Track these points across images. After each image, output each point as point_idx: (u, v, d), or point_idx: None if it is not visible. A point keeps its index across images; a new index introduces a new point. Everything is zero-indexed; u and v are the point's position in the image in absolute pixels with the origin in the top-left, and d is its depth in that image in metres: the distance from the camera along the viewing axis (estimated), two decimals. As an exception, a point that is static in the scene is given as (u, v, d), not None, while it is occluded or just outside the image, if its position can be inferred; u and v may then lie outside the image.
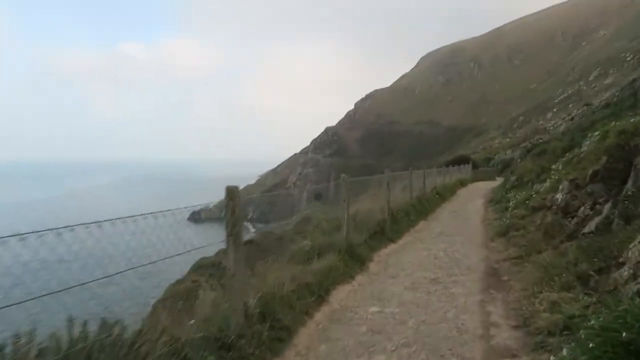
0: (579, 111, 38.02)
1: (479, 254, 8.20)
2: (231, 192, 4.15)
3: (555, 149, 13.88)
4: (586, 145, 9.66)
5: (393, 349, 4.14)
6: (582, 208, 7.15)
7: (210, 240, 5.14)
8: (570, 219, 7.44)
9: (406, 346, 4.18)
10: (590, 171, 7.57)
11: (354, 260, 7.02)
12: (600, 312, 3.23)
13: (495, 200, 16.36)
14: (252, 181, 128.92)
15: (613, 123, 10.06)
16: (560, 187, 8.48)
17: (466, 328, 4.55)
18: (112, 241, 3.80)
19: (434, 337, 4.34)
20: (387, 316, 5.02)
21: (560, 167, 11.27)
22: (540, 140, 21.76)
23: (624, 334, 2.49)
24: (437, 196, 17.21)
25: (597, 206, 6.77)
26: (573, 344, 3.05)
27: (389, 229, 9.73)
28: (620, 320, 2.63)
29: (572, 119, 37.59)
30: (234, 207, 4.08)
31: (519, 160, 20.93)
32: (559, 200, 8.20)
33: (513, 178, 15.64)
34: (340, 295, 5.82)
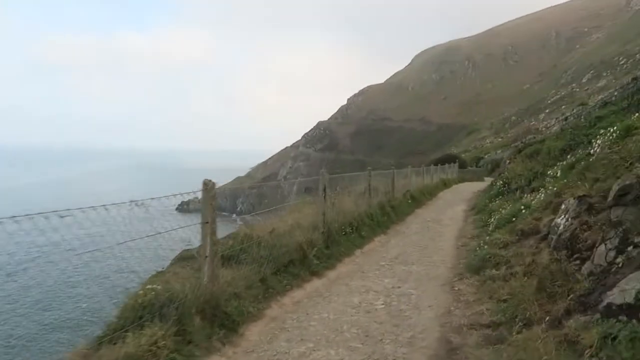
0: (574, 111, 35.11)
1: (437, 306, 5.23)
2: (206, 184, 4.35)
3: (551, 150, 10.94)
4: (598, 146, 6.78)
5: None
6: (601, 247, 4.20)
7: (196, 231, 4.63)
8: (578, 262, 4.50)
9: None
10: (614, 186, 4.62)
11: (213, 325, 4.04)
12: None
13: (478, 209, 13.42)
14: (243, 173, 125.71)
15: (637, 115, 7.15)
16: (563, 207, 5.52)
17: None
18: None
19: None
20: None
21: (558, 174, 8.32)
22: (533, 139, 18.88)
23: None
24: (409, 201, 14.24)
25: (631, 249, 3.83)
26: None
27: (318, 253, 6.73)
28: None
29: (566, 119, 34.65)
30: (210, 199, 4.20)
31: (507, 161, 17.96)
32: (561, 227, 5.24)
33: (499, 183, 12.69)
34: None
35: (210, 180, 4.29)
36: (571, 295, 3.90)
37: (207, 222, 4.25)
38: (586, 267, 4.26)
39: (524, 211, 7.50)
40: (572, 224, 5.07)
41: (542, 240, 5.68)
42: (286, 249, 6.07)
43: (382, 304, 5.31)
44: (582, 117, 26.86)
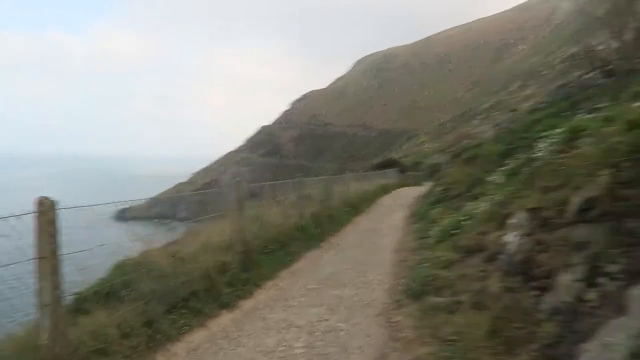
0: (505, 117, 36.12)
1: (369, 346, 4.22)
2: (41, 204, 3.11)
3: (489, 154, 10.41)
4: (544, 149, 6.15)
5: None
6: (564, 276, 3.36)
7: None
8: (537, 292, 3.64)
9: None
10: (574, 198, 3.81)
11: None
12: None
13: (418, 216, 12.73)
14: (184, 179, 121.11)
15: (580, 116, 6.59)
16: (513, 221, 4.70)
17: None
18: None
19: None
20: None
21: (501, 180, 7.64)
22: (469, 144, 18.79)
23: None
24: (348, 209, 13.34)
25: (606, 281, 2.98)
26: None
27: (233, 279, 5.55)
28: None
29: (498, 125, 35.60)
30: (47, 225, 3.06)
31: (445, 166, 17.58)
32: (512, 246, 4.40)
33: (438, 189, 12.08)
34: None
35: (46, 199, 3.01)
36: (534, 345, 3.00)
37: (44, 258, 2.97)
38: (548, 301, 3.40)
39: (466, 222, 6.70)
40: (524, 242, 4.24)
41: (489, 261, 4.83)
42: (187, 277, 4.84)
43: (303, 347, 4.22)
44: (514, 122, 27.45)
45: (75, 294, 4.26)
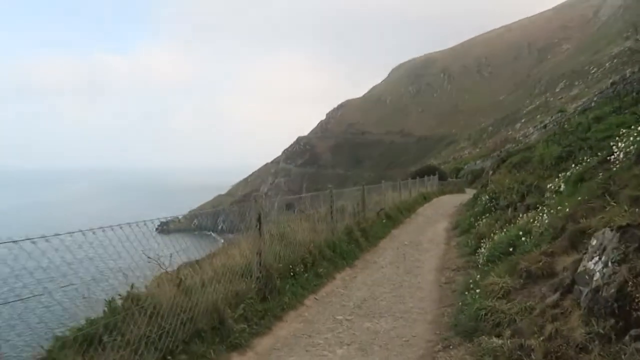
0: (553, 118, 33.96)
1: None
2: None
3: (544, 158, 9.18)
4: (623, 150, 4.97)
5: None
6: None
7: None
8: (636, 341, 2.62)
9: None
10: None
11: None
12: None
13: (462, 228, 11.57)
14: (224, 191, 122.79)
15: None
16: (594, 242, 3.65)
17: None
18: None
19: None
20: None
21: (562, 187, 6.50)
22: (516, 148, 17.25)
23: None
24: (384, 221, 12.33)
25: None
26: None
27: (248, 311, 4.72)
28: None
29: (545, 126, 33.48)
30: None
31: (490, 172, 16.26)
32: (597, 276, 3.35)
33: (484, 197, 10.87)
34: None
35: None
36: None
37: None
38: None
39: (524, 239, 5.62)
40: (616, 272, 3.19)
41: (563, 292, 3.78)
42: (190, 314, 4.04)
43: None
44: (565, 123, 25.57)
45: (56, 338, 3.53)
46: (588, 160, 6.47)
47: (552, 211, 5.77)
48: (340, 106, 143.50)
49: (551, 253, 4.52)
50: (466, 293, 5.19)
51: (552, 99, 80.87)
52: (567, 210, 5.15)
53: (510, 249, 5.73)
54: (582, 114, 26.10)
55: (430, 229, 13.08)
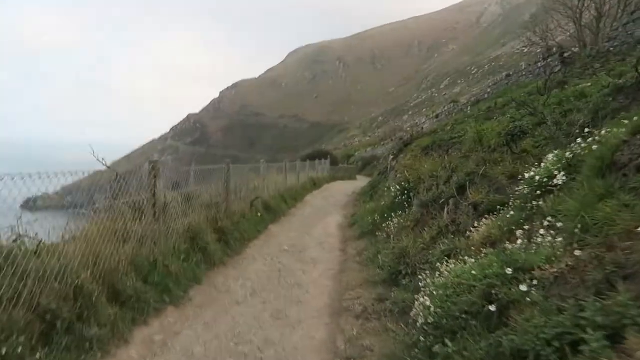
0: (445, 108, 33.35)
1: None
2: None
3: (481, 136, 6.30)
4: None
5: None
6: None
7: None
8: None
9: None
10: None
11: None
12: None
13: (362, 228, 8.51)
14: (103, 168, 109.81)
15: None
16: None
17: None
18: None
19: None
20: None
21: (567, 180, 3.49)
22: (421, 131, 14.89)
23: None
24: (259, 214, 8.82)
25: None
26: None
27: None
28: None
29: (437, 116, 32.73)
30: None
31: (391, 157, 13.58)
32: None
33: (394, 189, 7.76)
34: None
35: None
36: None
37: None
38: None
39: (509, 273, 2.53)
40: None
41: None
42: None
43: None
44: (463, 110, 24.33)
45: None
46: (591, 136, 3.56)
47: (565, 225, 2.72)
48: (235, 85, 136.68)
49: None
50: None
51: (437, 94, 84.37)
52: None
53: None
54: (475, 105, 25.27)
55: (320, 225, 9.90)
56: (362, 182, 23.67)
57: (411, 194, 7.16)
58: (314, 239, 8.25)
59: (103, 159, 5.04)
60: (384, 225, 6.89)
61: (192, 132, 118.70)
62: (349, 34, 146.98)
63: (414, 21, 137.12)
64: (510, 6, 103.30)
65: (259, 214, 8.84)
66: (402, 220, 6.41)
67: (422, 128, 32.26)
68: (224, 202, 7.32)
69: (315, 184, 19.61)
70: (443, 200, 5.65)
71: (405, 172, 7.81)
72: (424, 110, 72.04)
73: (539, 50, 21.71)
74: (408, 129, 50.68)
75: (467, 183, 5.18)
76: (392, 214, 7.05)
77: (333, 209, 12.90)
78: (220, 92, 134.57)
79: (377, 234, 6.90)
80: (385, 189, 9.94)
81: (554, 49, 21.13)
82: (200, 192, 6.75)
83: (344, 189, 19.44)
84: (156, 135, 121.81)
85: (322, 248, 7.48)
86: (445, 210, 4.90)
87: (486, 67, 78.27)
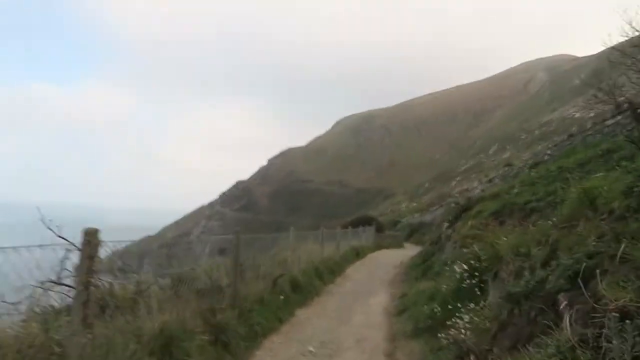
0: (500, 172, 30.90)
1: None
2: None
3: (594, 196, 4.33)
4: None
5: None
6: None
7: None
8: None
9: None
10: None
11: None
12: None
13: (416, 320, 6.39)
14: (154, 232, 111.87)
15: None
16: None
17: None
18: None
19: None
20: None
21: None
22: (482, 194, 12.71)
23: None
24: (282, 297, 6.92)
25: None
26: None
27: None
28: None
29: (491, 180, 30.24)
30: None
31: (446, 224, 11.42)
32: None
33: (459, 269, 5.61)
34: None
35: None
36: None
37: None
38: None
39: None
40: None
41: None
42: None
43: None
44: (518, 174, 21.90)
45: None
46: None
47: None
48: (282, 154, 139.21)
49: None
50: None
51: (485, 160, 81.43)
52: None
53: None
54: (534, 167, 22.82)
55: (361, 310, 7.81)
56: (410, 250, 21.28)
57: (484, 278, 5.07)
58: (352, 333, 6.18)
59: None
60: (447, 321, 4.80)
61: (239, 198, 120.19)
62: (393, 103, 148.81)
63: (457, 90, 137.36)
64: (557, 72, 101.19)
65: (282, 296, 6.93)
66: (476, 319, 4.32)
67: (475, 192, 29.79)
68: (231, 284, 5.50)
69: (358, 254, 17.50)
70: (543, 293, 3.59)
71: (473, 245, 5.77)
72: (473, 175, 69.11)
73: (606, 108, 19.57)
74: (457, 194, 48.00)
75: (586, 268, 3.14)
76: (459, 304, 4.97)
77: (378, 286, 10.75)
78: (268, 160, 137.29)
79: (438, 334, 4.79)
80: (444, 265, 7.82)
81: (625, 105, 18.89)
82: (197, 272, 5.01)
83: (391, 259, 17.18)
84: (205, 202, 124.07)
85: (361, 350, 5.41)
86: (566, 318, 2.84)
87: (536, 132, 75.26)
